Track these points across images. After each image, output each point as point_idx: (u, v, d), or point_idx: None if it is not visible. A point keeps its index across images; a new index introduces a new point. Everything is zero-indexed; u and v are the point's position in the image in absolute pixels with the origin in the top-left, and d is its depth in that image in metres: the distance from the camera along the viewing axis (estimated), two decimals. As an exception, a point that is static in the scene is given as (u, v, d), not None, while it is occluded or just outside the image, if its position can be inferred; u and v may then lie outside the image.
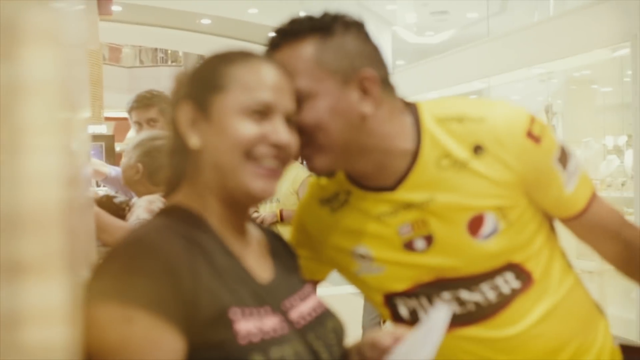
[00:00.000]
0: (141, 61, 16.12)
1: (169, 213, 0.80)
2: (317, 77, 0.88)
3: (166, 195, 0.86)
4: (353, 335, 0.90)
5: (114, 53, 15.17)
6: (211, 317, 0.69)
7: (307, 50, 0.89)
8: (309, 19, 0.91)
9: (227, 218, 0.81)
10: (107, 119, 8.88)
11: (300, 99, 0.87)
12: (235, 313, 0.71)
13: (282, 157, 0.81)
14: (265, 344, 0.70)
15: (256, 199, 0.80)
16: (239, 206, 0.82)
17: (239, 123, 0.78)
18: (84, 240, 0.82)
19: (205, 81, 0.80)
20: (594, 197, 1.03)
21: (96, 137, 4.81)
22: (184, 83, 0.83)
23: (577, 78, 8.23)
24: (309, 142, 0.89)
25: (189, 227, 0.77)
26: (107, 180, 2.39)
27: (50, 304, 0.43)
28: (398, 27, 10.79)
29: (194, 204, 0.80)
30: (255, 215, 3.13)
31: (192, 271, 0.70)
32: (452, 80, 7.98)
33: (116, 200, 1.85)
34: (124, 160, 1.83)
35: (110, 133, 6.10)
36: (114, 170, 2.39)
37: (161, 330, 0.66)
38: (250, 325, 0.71)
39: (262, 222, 3.04)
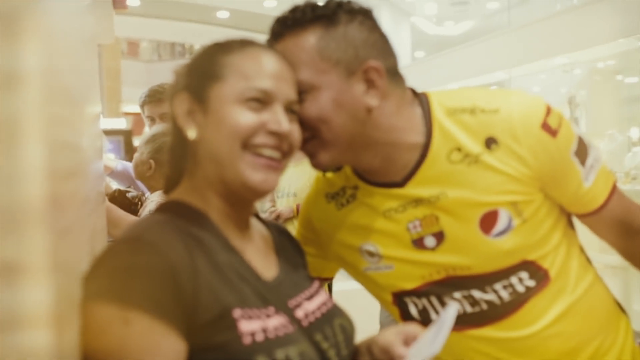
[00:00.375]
0: (159, 55, 16.23)
1: (169, 208, 0.78)
2: (319, 68, 0.85)
3: (167, 191, 0.84)
4: (370, 331, 0.88)
5: (132, 47, 15.31)
6: (213, 317, 0.67)
7: (309, 40, 0.86)
8: (313, 7, 0.87)
9: (229, 213, 0.78)
10: (126, 113, 8.96)
11: (303, 91, 0.84)
12: (238, 313, 0.68)
13: (284, 148, 0.78)
14: (269, 344, 0.68)
15: (256, 192, 0.77)
16: (240, 200, 0.79)
17: (237, 112, 0.75)
18: (89, 236, 0.81)
19: (201, 71, 0.78)
20: (614, 192, 0.98)
21: (114, 132, 4.85)
22: (181, 74, 0.80)
23: (601, 68, 8.08)
24: (312, 137, 0.87)
25: (189, 223, 0.74)
26: (114, 174, 2.40)
27: (32, 305, 0.42)
28: (417, 18, 10.71)
29: (194, 199, 0.78)
30: (272, 209, 3.12)
31: (193, 269, 0.68)
32: (472, 72, 7.89)
33: (129, 195, 1.85)
34: (136, 155, 1.83)
35: (129, 127, 6.14)
36: (120, 165, 2.40)
37: (160, 332, 0.64)
38: (254, 325, 0.68)
39: (278, 216, 3.03)
